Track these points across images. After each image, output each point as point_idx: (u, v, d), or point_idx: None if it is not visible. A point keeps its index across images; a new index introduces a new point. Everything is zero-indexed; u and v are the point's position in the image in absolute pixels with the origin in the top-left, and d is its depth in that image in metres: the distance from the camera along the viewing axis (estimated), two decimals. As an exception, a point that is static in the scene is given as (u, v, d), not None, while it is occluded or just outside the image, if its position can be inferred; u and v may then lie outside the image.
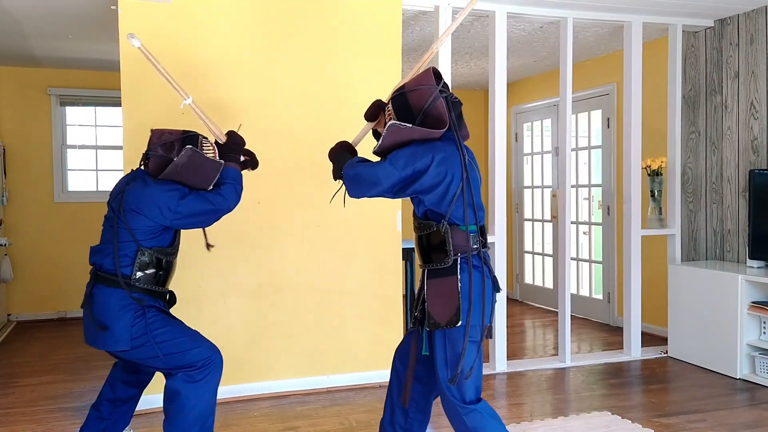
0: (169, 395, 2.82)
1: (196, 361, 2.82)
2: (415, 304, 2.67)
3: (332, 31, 4.23)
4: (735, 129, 4.96)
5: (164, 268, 2.89)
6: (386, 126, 2.57)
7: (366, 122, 2.79)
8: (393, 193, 2.56)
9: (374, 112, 2.74)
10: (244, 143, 3.13)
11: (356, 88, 4.27)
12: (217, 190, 2.91)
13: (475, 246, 2.54)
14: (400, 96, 2.61)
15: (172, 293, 3.03)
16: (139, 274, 2.79)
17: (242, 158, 3.18)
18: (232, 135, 3.11)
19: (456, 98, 2.61)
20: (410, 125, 2.53)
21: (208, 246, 3.24)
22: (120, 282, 2.74)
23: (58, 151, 6.67)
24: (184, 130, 2.96)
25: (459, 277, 2.50)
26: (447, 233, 2.52)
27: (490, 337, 2.74)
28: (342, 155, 2.76)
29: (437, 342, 2.54)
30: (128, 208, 2.78)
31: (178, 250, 2.98)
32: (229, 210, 2.94)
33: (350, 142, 2.86)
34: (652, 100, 5.43)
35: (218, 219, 2.94)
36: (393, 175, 2.49)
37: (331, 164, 2.80)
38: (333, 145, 2.84)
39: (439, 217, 2.54)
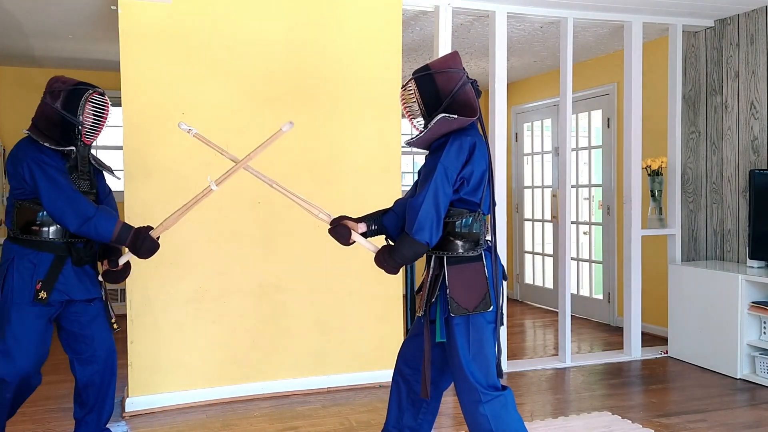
0: None
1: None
2: (428, 292, 2.56)
3: (332, 30, 4.23)
4: (735, 129, 4.96)
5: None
6: (436, 119, 2.45)
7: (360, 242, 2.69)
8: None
9: (345, 234, 2.65)
10: (143, 247, 2.74)
11: (356, 88, 4.27)
12: (73, 196, 2.71)
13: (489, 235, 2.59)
14: (426, 77, 2.52)
15: (79, 248, 2.87)
16: (21, 225, 2.82)
17: (123, 258, 2.89)
18: (141, 236, 2.74)
19: (478, 86, 2.59)
20: (456, 116, 2.45)
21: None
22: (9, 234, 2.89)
23: (58, 151, 6.65)
24: (79, 81, 2.83)
25: (485, 263, 2.52)
26: (481, 221, 2.53)
27: (502, 324, 2.74)
28: (391, 254, 2.54)
29: (457, 328, 2.50)
30: (6, 166, 2.87)
31: None
32: (53, 217, 2.73)
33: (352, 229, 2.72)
34: (652, 100, 5.43)
35: (54, 216, 2.72)
36: (448, 187, 2.43)
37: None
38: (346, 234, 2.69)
39: (472, 205, 2.52)
